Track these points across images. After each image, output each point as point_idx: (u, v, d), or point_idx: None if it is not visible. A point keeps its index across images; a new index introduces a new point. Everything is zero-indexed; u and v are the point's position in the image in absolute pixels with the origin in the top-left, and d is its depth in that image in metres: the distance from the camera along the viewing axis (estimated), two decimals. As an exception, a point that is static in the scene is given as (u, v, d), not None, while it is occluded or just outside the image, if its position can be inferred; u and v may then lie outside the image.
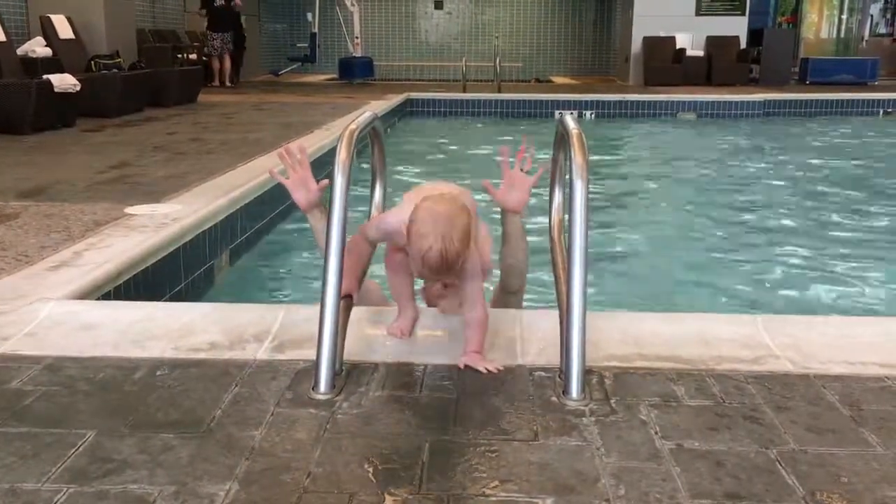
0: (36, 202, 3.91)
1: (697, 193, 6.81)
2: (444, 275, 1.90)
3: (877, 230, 5.25)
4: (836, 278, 4.16)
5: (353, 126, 2.03)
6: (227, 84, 13.90)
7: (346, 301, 1.99)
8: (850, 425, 1.70)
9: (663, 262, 4.55)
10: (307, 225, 2.40)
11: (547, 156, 2.57)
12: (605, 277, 4.11)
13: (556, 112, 11.59)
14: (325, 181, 2.39)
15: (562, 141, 2.26)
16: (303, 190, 2.30)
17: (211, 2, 13.70)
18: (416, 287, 2.24)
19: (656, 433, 1.66)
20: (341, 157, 1.92)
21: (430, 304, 2.41)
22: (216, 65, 13.80)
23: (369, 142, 2.44)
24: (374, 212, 2.41)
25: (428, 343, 2.13)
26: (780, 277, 4.22)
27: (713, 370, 1.98)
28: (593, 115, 11.93)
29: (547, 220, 2.51)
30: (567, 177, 2.08)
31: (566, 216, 2.28)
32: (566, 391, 1.82)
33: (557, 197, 2.45)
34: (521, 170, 2.25)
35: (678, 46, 15.47)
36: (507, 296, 2.51)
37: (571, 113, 11.87)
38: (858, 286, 4.04)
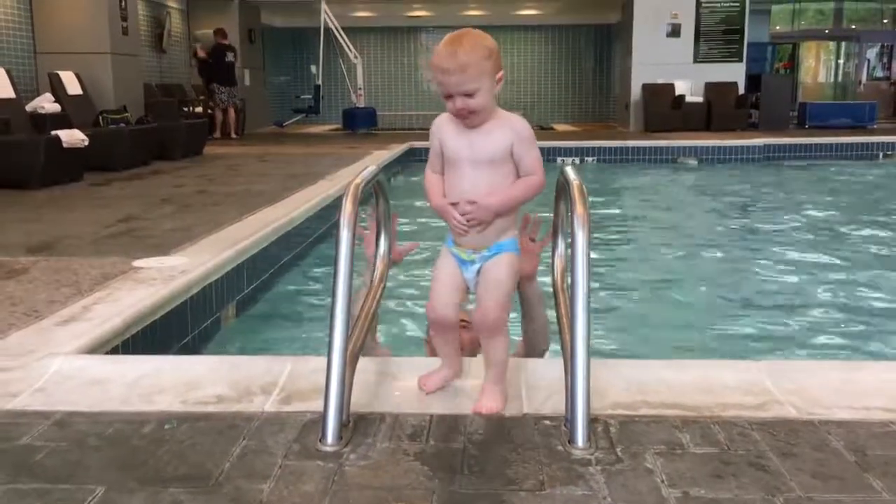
0: (45, 257, 3.96)
1: (699, 238, 6.84)
2: (453, 75, 1.85)
3: (879, 274, 5.26)
4: (838, 322, 4.16)
5: (357, 180, 2.07)
6: (233, 136, 14.09)
7: (353, 351, 2.01)
8: (856, 471, 1.70)
9: (666, 309, 4.56)
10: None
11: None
12: (608, 325, 4.12)
13: (559, 159, 11.70)
14: (411, 245, 2.53)
15: (563, 191, 2.30)
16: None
17: (222, 57, 13.96)
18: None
19: (662, 481, 1.66)
20: (346, 210, 1.96)
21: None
22: (220, 117, 14.01)
23: (373, 195, 2.48)
24: (378, 264, 2.44)
25: (434, 393, 2.14)
26: (783, 322, 4.23)
27: (718, 417, 1.99)
28: (595, 162, 12.04)
29: (550, 270, 2.54)
30: (568, 227, 2.12)
31: (568, 265, 2.31)
32: (572, 440, 1.83)
33: (560, 246, 2.48)
34: (530, 239, 2.48)
35: (677, 93, 15.65)
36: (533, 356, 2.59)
37: (574, 161, 11.96)
38: (861, 330, 4.05)
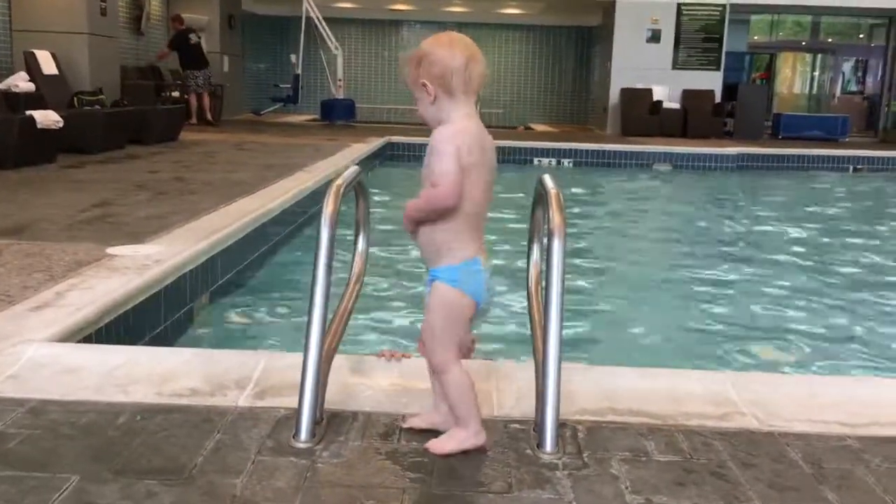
0: (17, 240, 3.93)
1: (670, 244, 6.94)
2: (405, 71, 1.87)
3: (843, 288, 5.38)
4: (802, 336, 4.25)
5: (339, 181, 2.09)
6: (210, 120, 13.94)
7: (329, 349, 2.03)
8: (811, 483, 1.77)
9: (636, 315, 4.62)
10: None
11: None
12: (579, 330, 4.17)
13: (535, 159, 11.79)
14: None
15: (540, 199, 2.34)
16: None
17: (186, 41, 13.81)
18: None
19: (626, 488, 1.72)
20: (328, 210, 1.99)
21: None
22: (195, 102, 13.86)
23: (354, 195, 2.51)
24: (357, 260, 2.47)
25: (406, 393, 2.18)
26: (749, 334, 4.31)
27: (682, 426, 2.04)
28: (571, 164, 12.13)
29: (525, 275, 2.59)
30: (544, 234, 2.16)
31: (543, 271, 2.35)
32: (540, 444, 1.88)
33: (535, 253, 2.52)
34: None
35: (655, 98, 15.80)
36: None
37: (550, 162, 11.97)
38: (824, 345, 4.14)
